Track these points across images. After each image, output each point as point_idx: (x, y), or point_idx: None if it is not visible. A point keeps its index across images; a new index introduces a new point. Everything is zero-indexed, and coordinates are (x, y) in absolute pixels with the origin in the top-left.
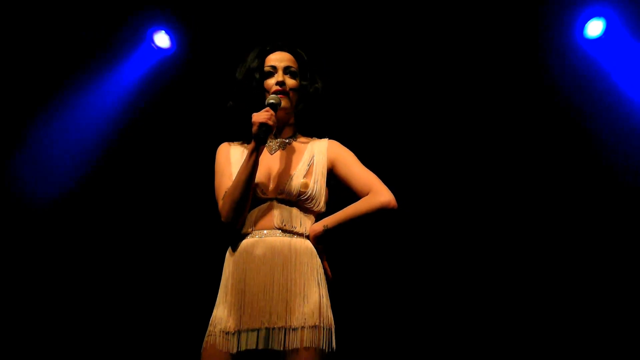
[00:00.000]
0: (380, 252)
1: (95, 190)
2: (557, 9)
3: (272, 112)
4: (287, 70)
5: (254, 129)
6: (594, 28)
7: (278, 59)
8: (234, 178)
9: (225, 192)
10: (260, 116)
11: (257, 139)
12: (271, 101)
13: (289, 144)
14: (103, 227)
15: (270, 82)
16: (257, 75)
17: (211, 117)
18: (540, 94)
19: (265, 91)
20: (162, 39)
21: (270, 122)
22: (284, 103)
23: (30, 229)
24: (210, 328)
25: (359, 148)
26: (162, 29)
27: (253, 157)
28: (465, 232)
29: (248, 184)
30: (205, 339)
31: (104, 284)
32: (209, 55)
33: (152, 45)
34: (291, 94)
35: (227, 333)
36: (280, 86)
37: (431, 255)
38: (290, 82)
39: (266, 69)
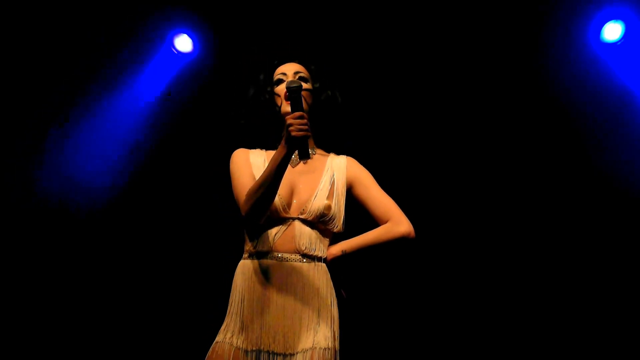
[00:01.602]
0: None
1: (116, 199)
2: (570, 10)
3: (306, 119)
4: (297, 74)
5: (289, 142)
6: (612, 31)
7: (287, 67)
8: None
9: (250, 189)
10: (298, 128)
11: (292, 147)
12: (293, 86)
13: (310, 157)
14: (134, 236)
15: (282, 86)
16: (269, 88)
17: (237, 124)
18: (551, 103)
19: (278, 97)
20: (183, 43)
21: (309, 133)
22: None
23: (56, 239)
24: (220, 336)
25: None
26: (183, 32)
27: (284, 164)
28: (467, 246)
29: (274, 187)
30: (213, 346)
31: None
32: (235, 59)
33: (173, 49)
34: (304, 93)
35: (239, 349)
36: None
37: (430, 272)
38: (302, 84)
39: (276, 77)
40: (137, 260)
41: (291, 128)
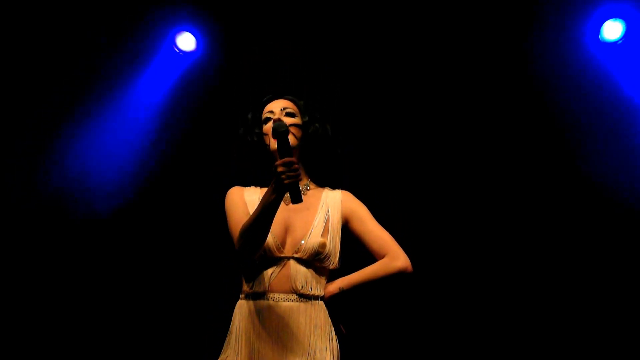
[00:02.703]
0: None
1: (115, 202)
2: (567, 7)
3: (296, 165)
4: (283, 110)
5: (279, 188)
6: (612, 30)
7: (274, 105)
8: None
9: (242, 227)
10: (288, 175)
11: (282, 193)
12: (281, 130)
13: (304, 194)
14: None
15: (269, 125)
16: (257, 129)
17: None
18: (546, 107)
19: (266, 136)
20: (186, 41)
21: (300, 178)
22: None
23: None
24: None
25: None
26: (185, 30)
27: (274, 207)
28: (465, 277)
29: (265, 228)
30: None
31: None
32: (240, 57)
33: (175, 48)
34: (292, 129)
35: None
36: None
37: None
38: (289, 119)
39: (264, 115)
40: (137, 271)
41: (282, 176)
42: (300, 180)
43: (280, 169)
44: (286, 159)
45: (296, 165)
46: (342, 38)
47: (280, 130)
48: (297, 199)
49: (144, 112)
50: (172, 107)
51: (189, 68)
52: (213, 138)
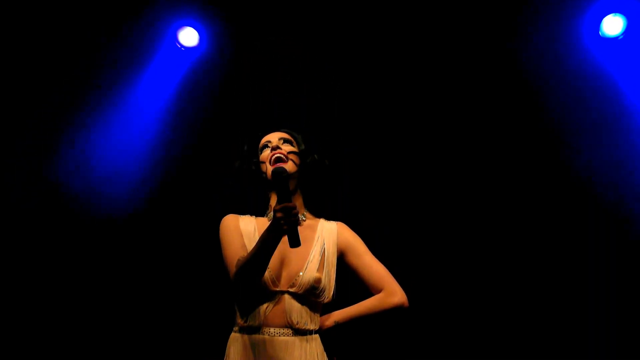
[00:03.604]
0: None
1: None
2: (566, 2)
3: (295, 210)
4: (281, 140)
5: (278, 231)
6: (612, 26)
7: (271, 135)
8: (248, 250)
9: (239, 259)
10: (287, 221)
11: (280, 235)
12: (283, 175)
13: (299, 225)
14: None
15: (267, 153)
16: (255, 159)
17: (248, 124)
18: (542, 105)
19: (263, 164)
20: (188, 37)
21: (299, 222)
22: (287, 167)
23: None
24: None
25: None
26: (187, 25)
27: (272, 248)
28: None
29: (263, 265)
30: None
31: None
32: (244, 53)
33: (177, 44)
34: (291, 156)
35: None
36: (275, 149)
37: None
38: (287, 147)
39: (262, 145)
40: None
41: (281, 221)
42: (299, 224)
43: (279, 214)
44: (285, 205)
45: (295, 211)
46: (343, 36)
47: (282, 176)
48: (295, 243)
49: (146, 109)
50: (175, 103)
51: (191, 64)
52: (215, 135)
